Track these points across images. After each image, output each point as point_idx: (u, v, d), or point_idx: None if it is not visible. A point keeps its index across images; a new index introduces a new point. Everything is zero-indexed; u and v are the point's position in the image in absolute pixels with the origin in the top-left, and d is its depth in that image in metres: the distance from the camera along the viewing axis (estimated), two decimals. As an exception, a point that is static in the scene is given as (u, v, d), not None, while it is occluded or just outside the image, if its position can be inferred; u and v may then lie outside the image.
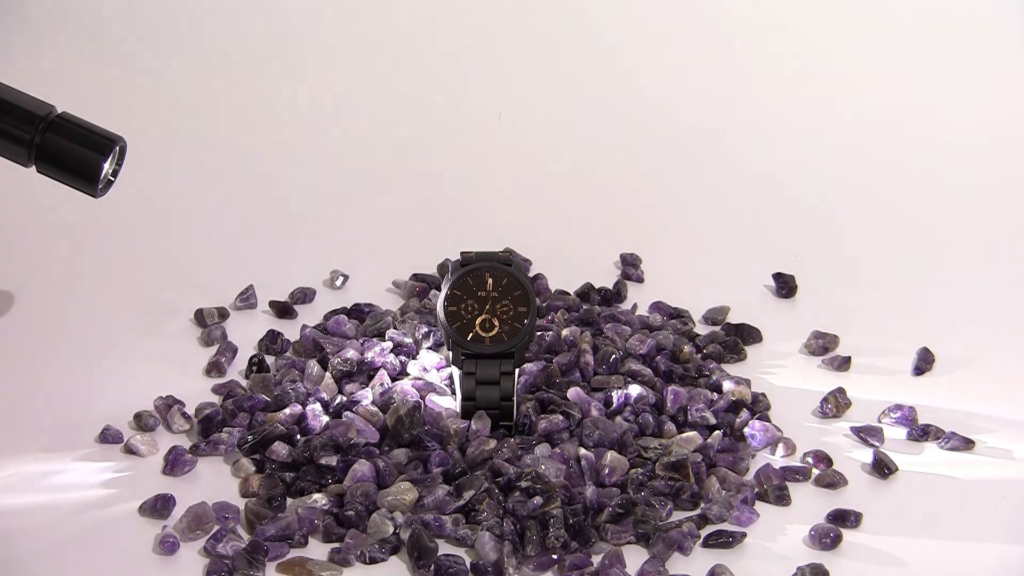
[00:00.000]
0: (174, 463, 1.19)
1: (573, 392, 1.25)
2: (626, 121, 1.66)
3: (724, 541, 1.12)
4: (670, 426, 1.23)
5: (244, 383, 1.30)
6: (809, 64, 1.67)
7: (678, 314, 1.42)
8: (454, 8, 1.69)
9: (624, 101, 1.66)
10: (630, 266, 1.51)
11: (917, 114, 1.64)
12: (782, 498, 1.18)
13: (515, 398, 1.22)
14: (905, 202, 1.58)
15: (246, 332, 1.38)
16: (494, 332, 1.22)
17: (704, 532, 1.13)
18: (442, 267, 1.48)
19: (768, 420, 1.26)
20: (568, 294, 1.45)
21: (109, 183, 1.18)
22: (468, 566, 1.09)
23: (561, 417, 1.22)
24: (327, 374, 1.29)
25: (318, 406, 1.24)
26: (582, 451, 1.18)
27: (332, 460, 1.17)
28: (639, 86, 1.67)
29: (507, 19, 1.69)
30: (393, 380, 1.28)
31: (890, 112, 1.64)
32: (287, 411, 1.23)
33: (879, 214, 1.57)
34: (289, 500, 1.15)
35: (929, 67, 1.66)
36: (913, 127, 1.63)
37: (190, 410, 1.25)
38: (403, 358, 1.31)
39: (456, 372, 1.23)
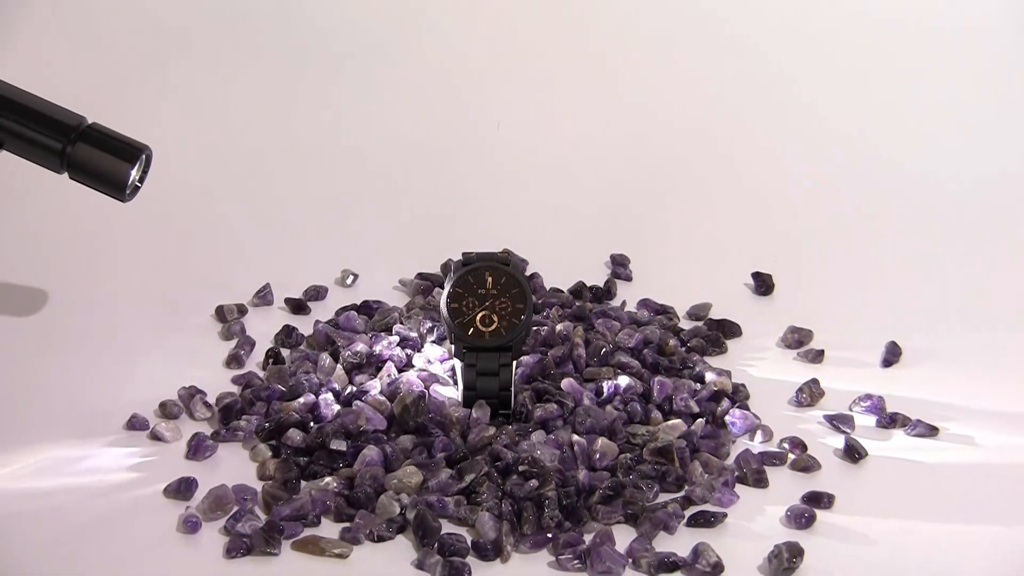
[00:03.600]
0: (196, 448, 1.19)
1: (567, 383, 1.24)
2: (616, 133, 1.65)
3: (707, 521, 1.12)
4: (656, 414, 1.23)
5: (261, 374, 1.30)
6: (784, 79, 1.67)
7: (664, 310, 1.42)
8: (458, 26, 1.69)
9: (614, 116, 1.66)
10: (619, 266, 1.51)
11: (884, 127, 1.64)
12: (760, 481, 1.17)
13: (513, 388, 1.22)
14: (874, 207, 1.58)
15: (263, 327, 1.37)
16: (493, 327, 1.21)
17: (688, 512, 1.13)
18: (445, 267, 1.48)
19: (747, 409, 1.26)
20: (562, 292, 1.45)
21: (136, 189, 1.18)
22: (469, 544, 1.09)
23: (555, 406, 1.22)
24: (338, 366, 1.28)
25: (330, 395, 1.23)
26: (575, 437, 1.18)
27: (343, 446, 1.17)
28: (627, 103, 1.66)
29: (505, 38, 1.69)
30: (400, 371, 1.28)
31: (858, 124, 1.64)
32: (301, 400, 1.23)
33: (851, 218, 1.57)
34: (303, 483, 1.15)
35: (897, 75, 1.65)
36: (880, 140, 1.63)
37: (211, 399, 1.25)
38: (409, 351, 1.31)
39: (458, 364, 1.23)
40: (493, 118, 1.66)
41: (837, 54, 1.66)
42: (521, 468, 1.14)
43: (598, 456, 1.17)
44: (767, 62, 1.67)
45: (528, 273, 1.47)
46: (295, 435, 1.18)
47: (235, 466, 1.18)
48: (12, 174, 1.24)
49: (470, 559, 1.07)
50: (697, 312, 1.43)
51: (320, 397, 1.23)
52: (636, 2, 1.69)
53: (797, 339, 1.38)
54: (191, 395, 1.25)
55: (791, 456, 1.21)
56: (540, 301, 1.41)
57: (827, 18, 1.67)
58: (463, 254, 1.25)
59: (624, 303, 1.43)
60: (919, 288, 1.46)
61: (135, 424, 1.22)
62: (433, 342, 1.32)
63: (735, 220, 1.57)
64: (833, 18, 1.67)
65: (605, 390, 1.25)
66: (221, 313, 1.39)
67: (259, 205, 1.56)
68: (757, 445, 1.23)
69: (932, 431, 1.25)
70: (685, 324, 1.41)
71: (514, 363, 1.22)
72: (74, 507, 1.12)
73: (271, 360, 1.31)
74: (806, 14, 1.67)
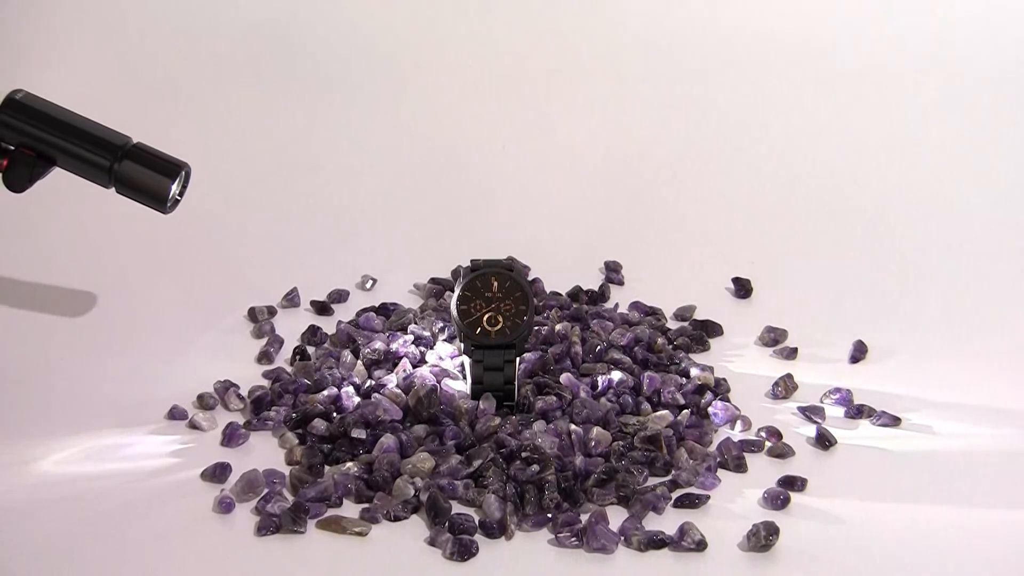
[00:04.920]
0: (230, 436, 1.19)
1: (565, 377, 1.25)
2: (610, 152, 1.65)
3: (691, 502, 1.13)
4: (646, 406, 1.24)
5: (289, 369, 1.31)
6: (760, 96, 1.66)
7: (653, 312, 1.42)
8: (466, 57, 1.69)
9: (607, 138, 1.66)
10: (613, 271, 1.51)
11: (854, 140, 1.63)
12: (740, 466, 1.18)
13: (516, 382, 1.22)
14: (843, 218, 1.57)
15: (291, 326, 1.37)
16: (499, 327, 1.22)
17: (675, 495, 1.13)
18: (455, 272, 1.48)
19: (728, 401, 1.26)
20: (560, 295, 1.45)
21: (176, 202, 1.18)
22: (477, 523, 1.09)
23: (555, 398, 1.22)
24: (359, 362, 1.29)
25: (351, 389, 1.24)
26: (572, 427, 1.19)
27: (362, 434, 1.17)
28: (617, 128, 1.66)
29: (510, 66, 1.69)
30: (414, 367, 1.28)
31: (830, 140, 1.64)
32: (325, 393, 1.23)
33: (822, 228, 1.56)
34: (327, 468, 1.15)
35: (869, 86, 1.63)
36: (849, 155, 1.63)
37: (244, 392, 1.25)
38: (422, 348, 1.31)
39: (467, 360, 1.23)
40: (500, 138, 1.66)
41: (812, 69, 1.66)
42: (524, 454, 1.14)
43: (593, 444, 1.17)
44: (745, 82, 1.66)
45: (530, 278, 1.48)
46: (319, 424, 1.19)
47: (265, 452, 1.18)
48: (64, 190, 1.24)
49: (477, 537, 1.08)
50: (683, 313, 1.43)
51: (342, 390, 1.24)
52: (623, 26, 1.69)
53: (773, 338, 1.39)
54: (225, 388, 1.25)
55: (768, 444, 1.21)
56: (541, 303, 1.41)
57: (802, 35, 1.66)
58: (471, 261, 1.26)
59: (617, 305, 1.43)
60: (884, 292, 1.46)
61: (175, 414, 1.22)
62: (444, 340, 1.33)
63: (717, 230, 1.57)
64: (808, 34, 1.66)
65: (600, 384, 1.26)
66: (253, 314, 1.40)
67: (288, 217, 1.56)
68: (737, 434, 1.23)
69: (895, 421, 1.25)
70: (672, 324, 1.41)
71: (517, 359, 1.22)
72: (119, 489, 1.12)
73: (298, 356, 1.32)
74: (784, 31, 1.66)
